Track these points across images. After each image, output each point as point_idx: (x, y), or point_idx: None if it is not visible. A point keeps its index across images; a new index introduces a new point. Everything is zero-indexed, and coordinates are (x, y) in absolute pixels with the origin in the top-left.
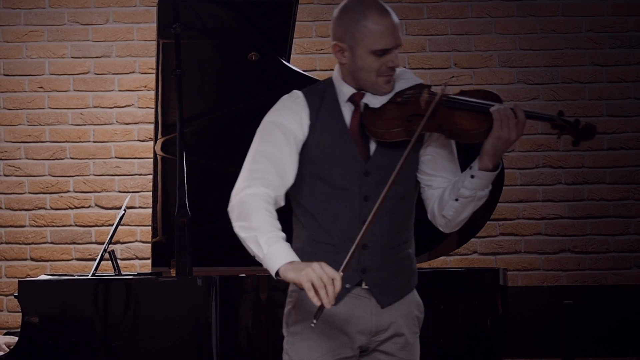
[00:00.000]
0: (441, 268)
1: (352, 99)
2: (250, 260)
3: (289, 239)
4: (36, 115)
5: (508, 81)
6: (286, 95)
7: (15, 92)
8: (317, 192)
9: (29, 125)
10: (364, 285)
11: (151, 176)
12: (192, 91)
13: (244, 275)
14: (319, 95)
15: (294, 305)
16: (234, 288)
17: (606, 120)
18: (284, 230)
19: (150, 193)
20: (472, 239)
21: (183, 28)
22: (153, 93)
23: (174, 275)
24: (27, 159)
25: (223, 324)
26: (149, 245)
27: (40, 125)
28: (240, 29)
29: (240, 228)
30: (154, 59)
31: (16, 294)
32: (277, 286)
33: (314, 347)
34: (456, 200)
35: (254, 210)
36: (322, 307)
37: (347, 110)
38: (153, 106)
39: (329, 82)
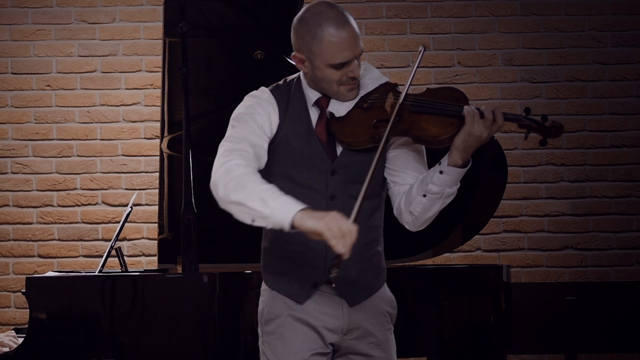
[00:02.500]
0: (445, 265)
1: (318, 104)
2: (255, 257)
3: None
4: (43, 113)
5: (511, 79)
6: (255, 92)
7: (22, 90)
8: (284, 191)
9: (36, 123)
10: (333, 285)
11: (157, 174)
12: (198, 89)
13: (250, 272)
14: (286, 95)
15: (266, 304)
16: (240, 285)
17: (608, 118)
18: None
19: (157, 190)
20: (476, 236)
21: (189, 27)
22: (159, 91)
23: (180, 272)
24: (35, 156)
25: (228, 321)
26: (156, 242)
27: (48, 123)
28: (245, 27)
29: (232, 194)
30: (160, 58)
31: (24, 291)
32: None
33: (288, 345)
34: (424, 196)
35: (244, 174)
36: (340, 256)
37: (313, 113)
38: (159, 104)
39: (297, 82)
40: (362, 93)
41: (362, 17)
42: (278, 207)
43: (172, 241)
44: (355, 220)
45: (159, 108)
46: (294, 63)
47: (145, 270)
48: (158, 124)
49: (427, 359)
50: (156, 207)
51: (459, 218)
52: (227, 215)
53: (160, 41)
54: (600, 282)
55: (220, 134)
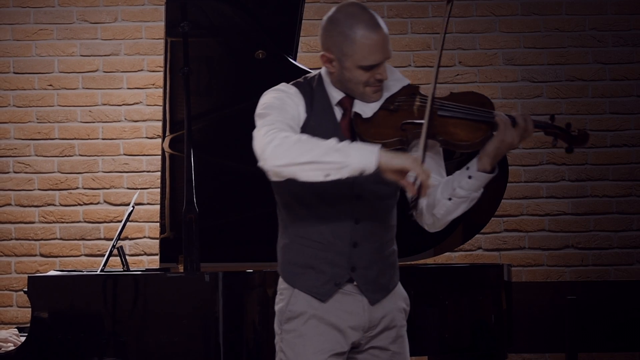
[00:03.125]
0: (446, 264)
1: (341, 104)
2: (257, 256)
3: (275, 235)
4: (45, 113)
5: (512, 79)
6: (278, 86)
7: (24, 89)
8: (309, 190)
9: (38, 122)
10: (354, 283)
11: (159, 173)
12: (200, 89)
13: (251, 271)
14: (310, 92)
15: (288, 302)
16: (241, 284)
17: (609, 118)
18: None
19: (159, 190)
20: (477, 235)
21: (191, 26)
22: (161, 91)
23: (182, 271)
24: (37, 156)
25: (230, 320)
26: (157, 241)
27: (50, 122)
28: (247, 27)
29: (299, 158)
30: (162, 57)
31: (26, 290)
32: None
33: (308, 343)
34: (449, 199)
35: (300, 139)
36: (418, 197)
37: (337, 112)
38: (161, 104)
39: (318, 80)
40: (386, 95)
41: None
42: (356, 153)
43: (174, 240)
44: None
45: (161, 107)
46: (297, 64)
47: (147, 270)
48: (160, 124)
49: (428, 358)
50: (158, 207)
51: (460, 217)
52: (229, 215)
53: (162, 41)
54: (601, 281)
55: (222, 133)
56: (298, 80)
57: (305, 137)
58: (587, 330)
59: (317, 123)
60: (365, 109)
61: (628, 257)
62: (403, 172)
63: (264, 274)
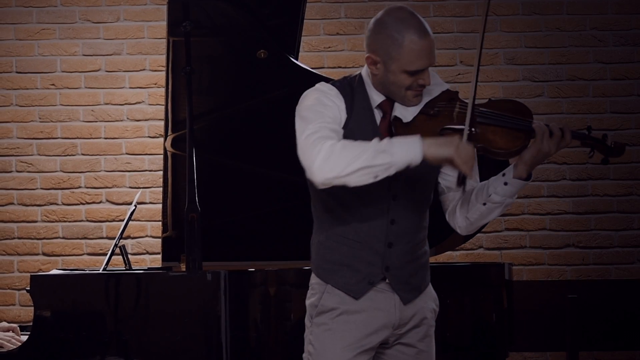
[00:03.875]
0: (447, 263)
1: (381, 106)
2: (259, 254)
3: (309, 231)
4: (48, 112)
5: (513, 78)
6: (319, 86)
7: (27, 89)
8: (347, 189)
9: (40, 122)
10: (387, 281)
11: (161, 172)
12: (202, 88)
13: (253, 269)
14: (350, 93)
15: (320, 297)
16: (243, 282)
17: (610, 117)
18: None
19: (161, 189)
20: (478, 234)
21: (193, 26)
22: (163, 90)
23: (184, 270)
24: (39, 155)
25: (232, 318)
26: (159, 240)
27: (52, 122)
28: (249, 27)
29: (348, 167)
30: (164, 57)
31: (28, 289)
32: (285, 280)
33: (337, 338)
34: (484, 204)
35: (344, 146)
36: (465, 177)
37: (376, 115)
38: (163, 103)
39: (359, 81)
40: (426, 99)
41: (365, 16)
42: (399, 150)
43: (176, 239)
44: (468, 139)
45: (163, 107)
46: (300, 64)
47: (149, 268)
48: (162, 123)
49: None
50: (160, 206)
51: None
52: (231, 214)
53: (164, 40)
54: (602, 280)
55: (224, 132)
56: (338, 80)
57: (349, 143)
58: (588, 329)
59: (357, 125)
60: (405, 113)
61: (629, 256)
62: (450, 162)
63: (265, 272)
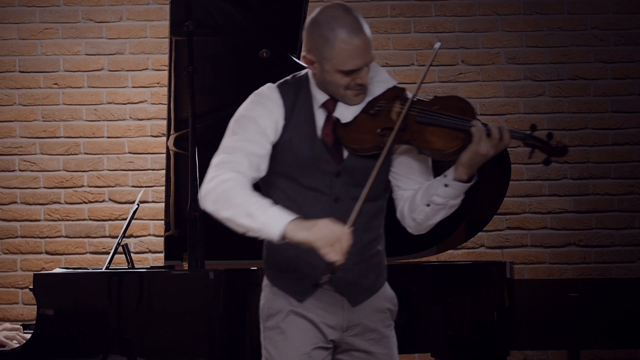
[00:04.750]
0: (449, 261)
1: (325, 106)
2: (261, 253)
3: None
4: (51, 111)
5: (515, 78)
6: (261, 90)
7: (30, 88)
8: (288, 192)
9: (43, 121)
10: (332, 283)
11: (164, 171)
12: (204, 88)
13: (255, 268)
14: (294, 93)
15: (267, 299)
16: (245, 281)
17: (611, 116)
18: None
19: (163, 188)
20: (479, 233)
21: (195, 26)
22: (166, 89)
23: (186, 268)
24: (42, 154)
25: (234, 317)
26: (162, 239)
27: (55, 121)
28: (251, 26)
29: (221, 211)
30: (166, 56)
31: (31, 287)
32: None
33: (290, 340)
34: (427, 205)
35: (231, 189)
36: (332, 263)
37: (320, 115)
38: (166, 102)
39: (305, 80)
40: (369, 98)
41: (367, 15)
42: (267, 220)
43: (179, 238)
44: (354, 224)
45: (166, 106)
46: (302, 63)
47: (151, 267)
48: (164, 122)
49: (431, 355)
50: (162, 205)
51: (463, 215)
52: None
53: (167, 40)
54: (603, 278)
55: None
56: (287, 79)
57: (237, 189)
58: (589, 327)
59: (295, 129)
60: (346, 113)
61: (629, 255)
62: (309, 245)
63: None
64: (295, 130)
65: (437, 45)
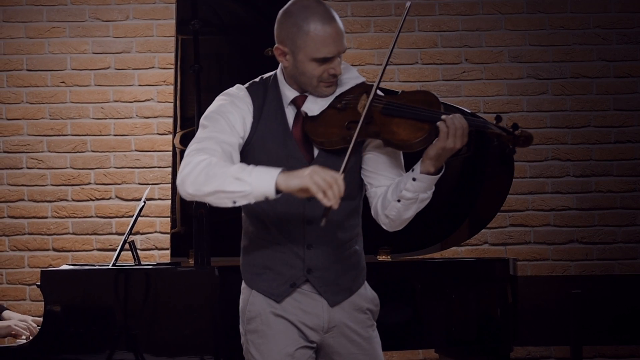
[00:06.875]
0: (453, 258)
1: (295, 102)
2: None
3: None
4: (58, 110)
5: (518, 76)
6: (229, 90)
7: (37, 86)
8: None
9: (51, 119)
10: (310, 283)
11: (170, 169)
12: (210, 86)
13: None
14: (263, 93)
15: (246, 302)
16: None
17: (613, 114)
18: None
19: (169, 185)
20: (483, 230)
21: (201, 24)
22: (172, 88)
23: (192, 265)
24: (50, 151)
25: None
26: (168, 236)
27: (62, 119)
28: (256, 25)
29: (204, 187)
30: (172, 55)
31: (39, 284)
32: None
33: (272, 342)
34: (398, 201)
35: (209, 164)
36: (329, 207)
37: (290, 112)
38: (172, 100)
39: (273, 80)
40: (338, 92)
41: (371, 14)
42: (257, 180)
43: (185, 235)
44: (344, 171)
45: (172, 104)
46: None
47: (158, 264)
48: (171, 120)
49: (435, 351)
50: (169, 202)
51: (466, 212)
52: (239, 209)
53: (173, 38)
54: (605, 275)
55: None
56: (255, 80)
57: (217, 163)
58: (592, 323)
59: (267, 126)
60: (313, 107)
61: (632, 252)
62: (305, 191)
63: None
64: (267, 127)
65: (408, 4)
